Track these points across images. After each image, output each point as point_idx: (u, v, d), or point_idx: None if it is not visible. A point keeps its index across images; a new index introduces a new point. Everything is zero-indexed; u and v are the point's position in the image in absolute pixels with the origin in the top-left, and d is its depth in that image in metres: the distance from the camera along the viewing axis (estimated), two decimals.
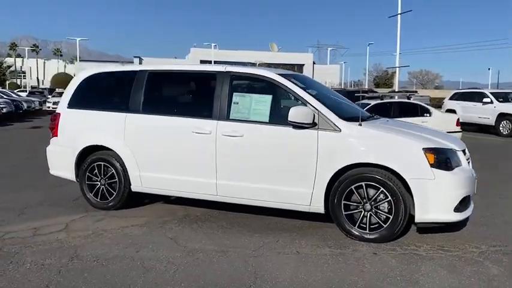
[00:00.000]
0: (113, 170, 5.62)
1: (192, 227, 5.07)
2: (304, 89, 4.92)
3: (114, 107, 5.64)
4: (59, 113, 5.96)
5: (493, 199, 6.33)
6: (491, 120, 17.57)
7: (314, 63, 65.62)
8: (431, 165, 4.34)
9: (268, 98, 4.97)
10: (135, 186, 5.56)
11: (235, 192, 5.04)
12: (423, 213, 4.37)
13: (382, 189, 4.45)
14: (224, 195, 5.11)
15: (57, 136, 5.95)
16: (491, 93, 18.33)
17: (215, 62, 55.76)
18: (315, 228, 5.05)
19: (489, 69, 76.03)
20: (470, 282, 3.61)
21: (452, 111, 18.43)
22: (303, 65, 61.68)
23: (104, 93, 6.00)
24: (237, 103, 5.05)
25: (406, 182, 4.39)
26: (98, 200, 5.73)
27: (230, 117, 5.02)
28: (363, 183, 4.52)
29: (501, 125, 17.17)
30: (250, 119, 4.95)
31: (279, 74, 5.06)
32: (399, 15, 23.35)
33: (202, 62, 63.07)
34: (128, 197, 5.66)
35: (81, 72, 6.13)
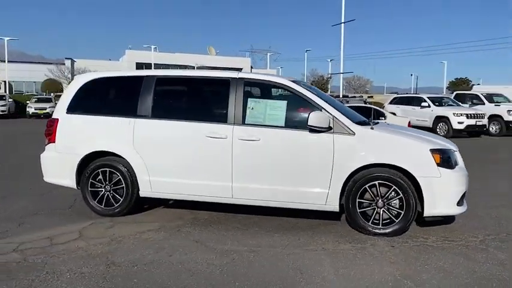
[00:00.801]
0: (119, 176, 5.56)
1: (209, 230, 5.16)
2: (317, 95, 5.23)
3: (120, 112, 5.57)
4: (57, 118, 5.78)
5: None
6: (429, 123, 19.01)
7: (252, 67, 66.52)
8: (438, 165, 4.81)
9: (283, 104, 5.20)
10: (144, 192, 5.54)
11: (251, 194, 5.21)
12: (431, 208, 4.83)
13: (394, 187, 4.86)
14: (240, 198, 5.26)
15: (54, 142, 5.76)
16: (428, 97, 19.86)
17: (155, 65, 54.71)
18: (325, 225, 5.36)
19: (411, 75, 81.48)
20: (488, 267, 4.09)
21: (393, 114, 19.72)
22: (241, 69, 62.24)
23: (108, 98, 5.90)
24: (252, 108, 5.23)
25: (415, 180, 4.83)
26: (103, 206, 5.62)
27: (246, 122, 5.19)
28: (377, 182, 4.90)
29: (438, 127, 18.63)
30: (266, 124, 5.16)
31: (291, 81, 5.32)
32: (343, 24, 24.64)
33: (138, 64, 61.50)
34: (135, 202, 5.63)
35: (79, 77, 5.98)
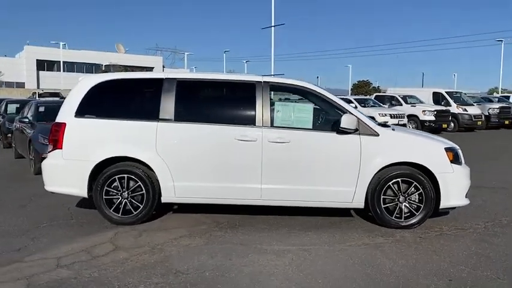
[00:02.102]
0: (139, 182, 5.34)
1: (242, 232, 5.18)
2: (341, 99, 5.52)
3: (139, 116, 5.36)
4: (64, 123, 5.37)
5: None
6: None
7: (164, 66, 65.22)
8: (451, 162, 5.37)
9: (310, 107, 5.42)
10: (167, 197, 5.39)
11: (281, 195, 5.34)
12: (446, 201, 5.37)
13: (415, 183, 5.31)
14: (268, 199, 5.36)
15: (61, 148, 5.35)
16: (355, 99, 21.29)
17: (64, 63, 51.12)
18: (346, 222, 5.67)
19: (317, 77, 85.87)
20: None
21: None
22: (153, 68, 60.79)
23: (124, 101, 5.57)
24: (280, 111, 5.37)
25: (431, 176, 5.33)
26: (120, 215, 5.35)
27: (274, 125, 5.31)
28: (399, 179, 5.32)
29: None
30: (294, 126, 5.33)
31: (314, 85, 5.55)
32: (273, 28, 25.42)
33: (39, 61, 57.06)
34: (156, 208, 5.46)
35: (88, 78, 5.59)
